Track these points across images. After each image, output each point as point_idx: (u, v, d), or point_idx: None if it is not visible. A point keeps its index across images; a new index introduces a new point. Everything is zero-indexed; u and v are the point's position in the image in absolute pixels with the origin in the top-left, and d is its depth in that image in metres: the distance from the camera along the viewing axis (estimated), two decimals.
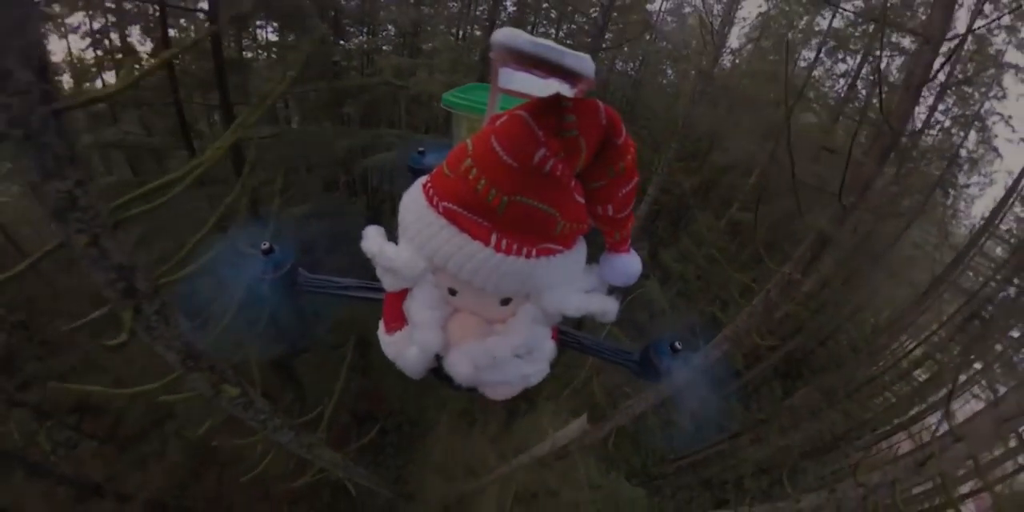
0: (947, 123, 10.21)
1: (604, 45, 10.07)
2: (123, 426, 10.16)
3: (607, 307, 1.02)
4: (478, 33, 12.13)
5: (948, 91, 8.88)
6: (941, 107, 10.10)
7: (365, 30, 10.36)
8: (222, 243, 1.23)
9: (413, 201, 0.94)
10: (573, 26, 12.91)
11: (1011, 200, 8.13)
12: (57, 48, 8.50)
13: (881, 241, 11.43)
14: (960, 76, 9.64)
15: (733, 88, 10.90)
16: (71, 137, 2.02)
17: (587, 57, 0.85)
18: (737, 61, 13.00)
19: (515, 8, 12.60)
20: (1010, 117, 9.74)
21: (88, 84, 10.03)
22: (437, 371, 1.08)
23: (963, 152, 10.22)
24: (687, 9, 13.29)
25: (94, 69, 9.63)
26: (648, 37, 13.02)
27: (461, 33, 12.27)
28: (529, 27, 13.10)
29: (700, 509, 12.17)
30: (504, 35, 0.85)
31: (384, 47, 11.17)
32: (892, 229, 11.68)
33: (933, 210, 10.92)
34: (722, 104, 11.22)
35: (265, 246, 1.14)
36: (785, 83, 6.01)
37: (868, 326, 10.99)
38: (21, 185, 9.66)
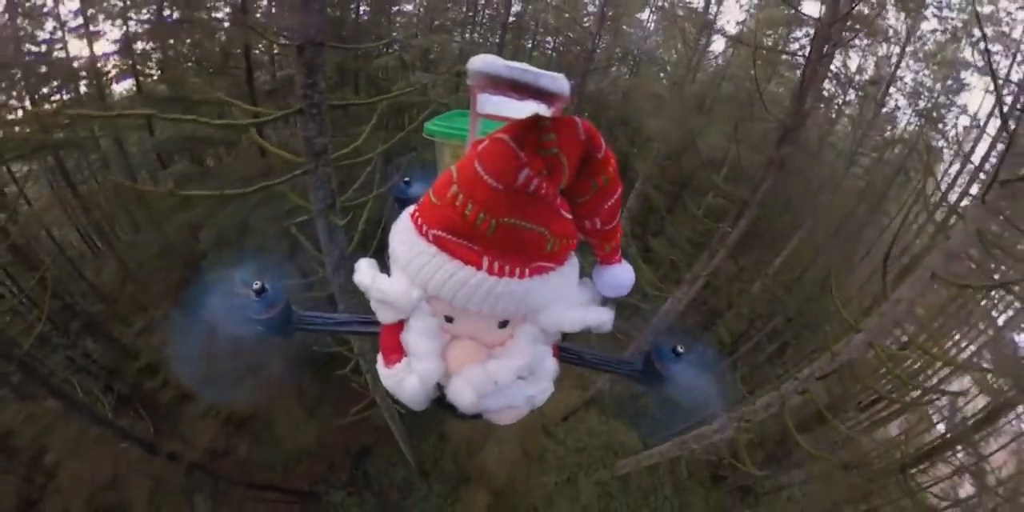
0: (911, 116, 11.65)
1: (593, 66, 11.73)
2: (157, 407, 11.33)
3: (604, 318, 1.05)
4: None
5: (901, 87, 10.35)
6: (905, 102, 11.63)
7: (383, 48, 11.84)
8: (214, 286, 1.25)
9: (402, 231, 0.96)
10: (570, 35, 14.47)
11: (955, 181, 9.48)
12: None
13: (858, 230, 12.79)
14: (924, 74, 11.19)
15: (713, 91, 12.43)
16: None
17: (561, 76, 0.91)
18: (722, 63, 14.56)
19: (514, 19, 14.22)
20: (965, 105, 11.04)
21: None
22: (440, 401, 1.09)
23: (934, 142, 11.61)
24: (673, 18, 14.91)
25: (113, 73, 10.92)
26: (636, 52, 14.62)
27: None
28: (529, 39, 14.73)
29: (698, 484, 13.15)
30: (480, 62, 0.91)
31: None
32: (874, 218, 13.09)
33: (901, 196, 12.22)
34: (705, 105, 12.71)
35: (257, 286, 1.15)
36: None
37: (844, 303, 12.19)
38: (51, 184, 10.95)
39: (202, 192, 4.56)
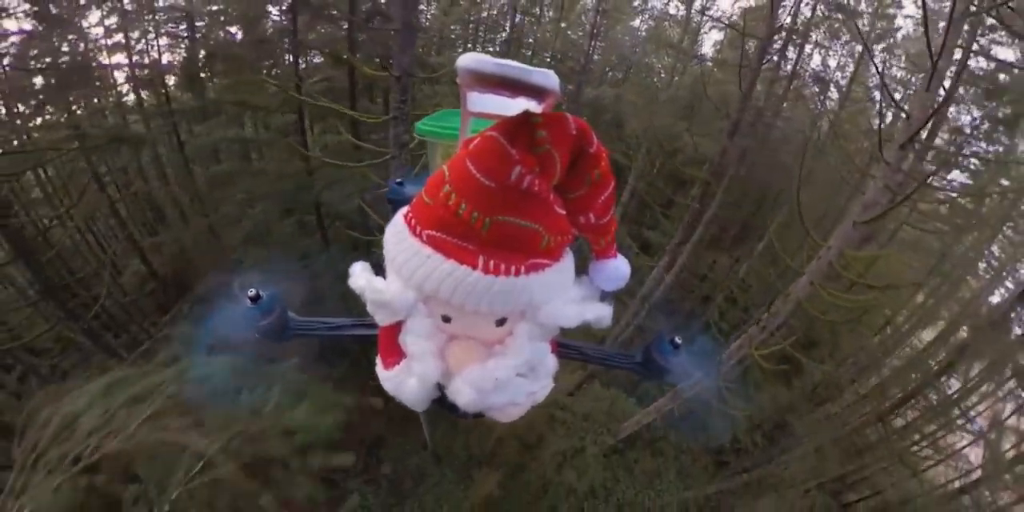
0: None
1: (586, 77, 13.19)
2: None
3: (602, 313, 1.08)
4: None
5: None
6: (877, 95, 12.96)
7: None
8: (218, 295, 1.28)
9: (396, 232, 0.98)
10: (567, 46, 15.88)
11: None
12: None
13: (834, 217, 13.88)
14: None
15: (697, 93, 13.75)
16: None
17: (551, 72, 0.96)
18: (710, 63, 15.88)
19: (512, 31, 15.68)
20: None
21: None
22: (441, 401, 1.12)
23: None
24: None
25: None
26: (628, 57, 16.04)
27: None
28: (528, 50, 16.14)
29: (702, 470, 13.90)
30: (469, 60, 0.96)
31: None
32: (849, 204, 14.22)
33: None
34: (690, 106, 14.02)
35: (252, 293, 1.18)
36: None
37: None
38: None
39: (335, 161, 6.12)
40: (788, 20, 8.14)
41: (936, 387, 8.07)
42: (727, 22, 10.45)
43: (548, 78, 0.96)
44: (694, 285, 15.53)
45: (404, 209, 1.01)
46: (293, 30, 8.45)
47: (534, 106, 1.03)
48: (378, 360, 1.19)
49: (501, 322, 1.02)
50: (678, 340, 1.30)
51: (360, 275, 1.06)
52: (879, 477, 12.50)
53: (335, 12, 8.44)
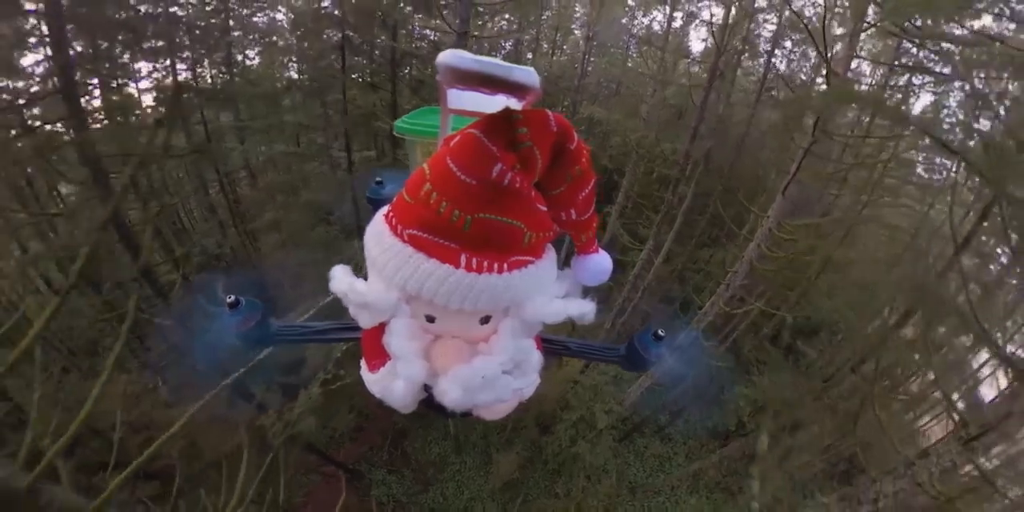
0: None
1: (581, 97, 14.92)
2: None
3: (585, 309, 1.10)
4: None
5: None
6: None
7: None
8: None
9: (377, 233, 1.00)
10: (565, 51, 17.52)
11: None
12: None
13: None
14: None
15: (677, 105, 15.41)
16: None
17: (531, 70, 0.99)
18: (697, 70, 17.45)
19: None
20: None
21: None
22: (428, 401, 1.13)
23: None
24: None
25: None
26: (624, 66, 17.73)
27: None
28: (528, 60, 17.79)
29: (710, 452, 14.83)
30: (449, 57, 0.97)
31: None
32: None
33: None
34: (678, 114, 15.66)
35: (231, 300, 1.18)
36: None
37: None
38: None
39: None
40: (739, 44, 9.89)
41: (897, 337, 9.23)
42: (683, 51, 12.16)
43: (529, 75, 0.99)
44: (692, 279, 16.87)
45: (384, 209, 1.03)
46: (342, 64, 10.28)
47: (515, 103, 1.06)
48: (362, 363, 1.21)
49: (485, 320, 1.05)
50: (661, 332, 1.35)
51: (341, 279, 1.06)
52: (887, 458, 13.34)
53: (376, 51, 10.21)
